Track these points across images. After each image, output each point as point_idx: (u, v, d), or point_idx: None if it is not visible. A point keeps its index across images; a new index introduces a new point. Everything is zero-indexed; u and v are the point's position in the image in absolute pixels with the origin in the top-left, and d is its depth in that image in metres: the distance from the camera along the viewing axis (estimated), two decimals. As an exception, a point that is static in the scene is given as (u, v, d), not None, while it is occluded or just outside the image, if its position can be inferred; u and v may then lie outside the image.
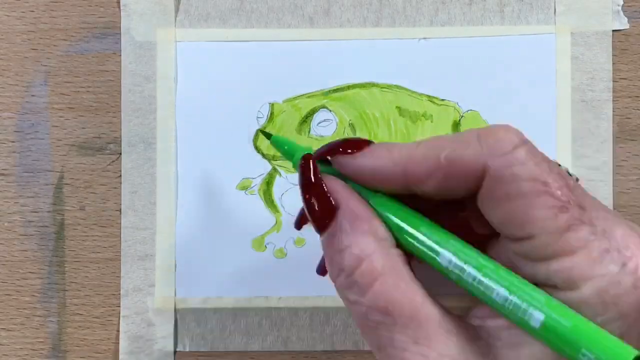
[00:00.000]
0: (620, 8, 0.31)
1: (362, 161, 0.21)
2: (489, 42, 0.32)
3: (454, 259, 0.20)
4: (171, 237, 0.32)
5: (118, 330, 0.32)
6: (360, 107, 0.32)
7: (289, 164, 0.32)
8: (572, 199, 0.19)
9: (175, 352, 0.32)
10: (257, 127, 0.32)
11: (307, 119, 0.32)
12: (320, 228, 0.21)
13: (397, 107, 0.32)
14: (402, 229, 0.21)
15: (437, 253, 0.20)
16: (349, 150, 0.22)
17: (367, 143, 0.22)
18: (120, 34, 0.32)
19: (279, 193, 0.32)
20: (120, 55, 0.32)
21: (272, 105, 0.32)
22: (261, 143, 0.32)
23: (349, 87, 0.32)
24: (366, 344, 0.31)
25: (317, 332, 0.32)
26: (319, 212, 0.21)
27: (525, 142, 0.19)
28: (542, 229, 0.18)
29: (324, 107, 0.32)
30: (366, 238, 0.20)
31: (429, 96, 0.32)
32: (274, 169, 0.32)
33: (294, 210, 0.32)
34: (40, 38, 0.32)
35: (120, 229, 0.32)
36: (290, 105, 0.32)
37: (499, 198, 0.19)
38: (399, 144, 0.21)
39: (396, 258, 0.20)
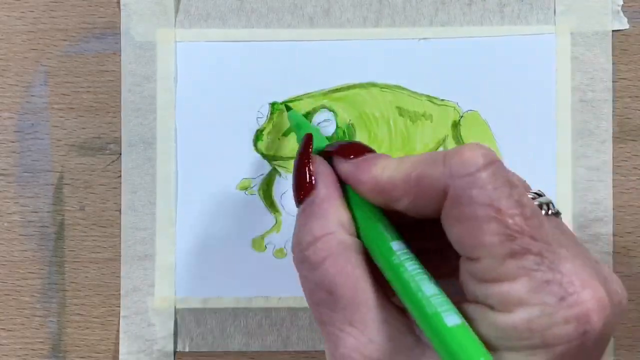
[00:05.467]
0: (620, 8, 0.31)
1: (348, 168, 0.23)
2: (489, 42, 0.32)
3: (399, 251, 0.21)
4: (171, 237, 0.32)
5: (118, 330, 0.32)
6: (360, 107, 0.32)
7: (289, 164, 0.32)
8: (525, 229, 0.19)
9: (175, 352, 0.32)
10: (257, 127, 0.32)
11: (306, 119, 0.32)
12: (298, 201, 0.23)
13: (397, 107, 0.32)
14: (361, 219, 0.22)
15: (386, 242, 0.21)
16: (348, 155, 0.23)
17: (365, 151, 0.23)
18: (120, 34, 0.32)
19: (279, 193, 0.32)
20: (120, 55, 0.32)
21: (272, 105, 0.32)
22: (261, 143, 0.32)
23: (349, 87, 0.32)
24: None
25: (317, 332, 0.32)
26: (300, 185, 0.23)
27: (490, 164, 0.19)
28: (488, 254, 0.19)
29: (324, 107, 0.32)
30: (327, 219, 0.22)
31: (429, 96, 0.32)
32: (274, 169, 0.32)
33: (294, 210, 0.32)
34: (40, 38, 0.32)
35: (120, 229, 0.32)
36: (290, 105, 0.32)
37: (455, 218, 0.20)
38: (384, 160, 0.22)
39: (350, 244, 0.22)
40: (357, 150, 0.23)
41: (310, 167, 0.23)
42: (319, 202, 0.22)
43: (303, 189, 0.23)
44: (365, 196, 0.22)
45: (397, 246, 0.21)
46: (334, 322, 0.21)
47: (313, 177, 0.23)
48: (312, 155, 0.24)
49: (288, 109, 0.31)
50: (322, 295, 0.21)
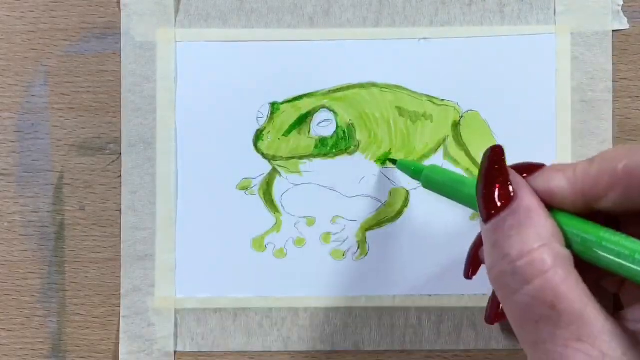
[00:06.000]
0: (620, 8, 0.31)
1: (536, 184, 0.22)
2: (489, 42, 0.32)
3: None
4: (171, 237, 0.32)
5: (118, 330, 0.32)
6: (360, 107, 0.32)
7: (289, 164, 0.32)
8: None
9: (175, 352, 0.32)
10: (257, 127, 0.32)
11: (306, 119, 0.32)
12: (494, 212, 0.21)
13: (397, 107, 0.32)
14: (587, 240, 0.21)
15: (631, 256, 0.19)
16: (522, 174, 0.22)
17: (539, 167, 0.22)
18: (120, 34, 0.32)
19: (279, 193, 0.32)
20: (120, 55, 0.32)
21: (272, 105, 0.32)
22: (261, 143, 0.32)
23: (349, 87, 0.32)
24: (366, 344, 0.31)
25: (317, 332, 0.32)
26: (497, 196, 0.21)
27: None
28: None
29: (324, 107, 0.32)
30: (540, 230, 0.20)
31: (429, 96, 0.32)
32: (274, 169, 0.32)
33: (294, 210, 0.32)
34: (40, 38, 0.32)
35: (120, 229, 0.32)
36: (290, 106, 0.32)
37: None
38: (572, 164, 0.22)
39: (566, 255, 0.20)
40: (528, 167, 0.22)
41: (509, 177, 0.22)
42: (525, 212, 0.21)
43: (502, 199, 0.21)
44: (564, 204, 0.21)
45: (627, 240, 0.20)
46: (556, 340, 0.19)
47: (511, 187, 0.21)
48: (507, 166, 0.22)
49: (393, 162, 0.31)
50: (542, 311, 0.19)
